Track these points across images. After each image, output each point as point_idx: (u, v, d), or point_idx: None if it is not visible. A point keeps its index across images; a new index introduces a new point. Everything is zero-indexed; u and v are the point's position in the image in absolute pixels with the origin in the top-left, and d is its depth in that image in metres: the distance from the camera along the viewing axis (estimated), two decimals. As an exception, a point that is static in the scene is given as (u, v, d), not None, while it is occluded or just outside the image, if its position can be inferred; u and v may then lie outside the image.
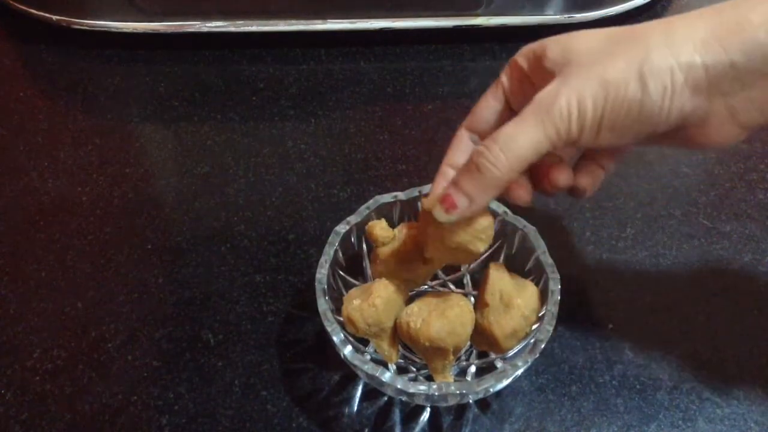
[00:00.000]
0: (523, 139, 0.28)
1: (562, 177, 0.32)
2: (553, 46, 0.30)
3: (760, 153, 0.50)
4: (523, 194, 0.32)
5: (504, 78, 0.33)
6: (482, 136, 0.33)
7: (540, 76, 0.30)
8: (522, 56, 0.32)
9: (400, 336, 0.34)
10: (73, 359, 0.38)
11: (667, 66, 0.27)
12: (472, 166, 0.29)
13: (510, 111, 0.33)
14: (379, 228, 0.36)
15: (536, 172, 0.33)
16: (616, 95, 0.27)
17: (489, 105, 0.33)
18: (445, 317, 0.33)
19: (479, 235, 0.32)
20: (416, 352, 0.36)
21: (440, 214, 0.30)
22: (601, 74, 0.27)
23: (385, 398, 0.37)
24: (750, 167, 0.49)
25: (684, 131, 0.29)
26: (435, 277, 0.41)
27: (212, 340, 0.39)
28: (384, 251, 0.37)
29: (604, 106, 0.28)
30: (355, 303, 0.34)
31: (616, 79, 0.27)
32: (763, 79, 0.27)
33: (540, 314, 0.35)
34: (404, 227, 0.37)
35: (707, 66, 0.27)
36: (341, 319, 0.35)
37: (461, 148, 0.33)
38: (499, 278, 0.35)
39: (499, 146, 0.28)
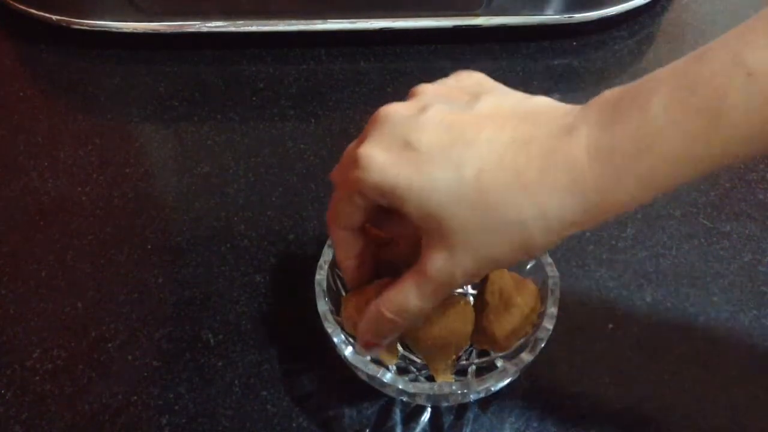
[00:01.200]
0: (427, 306, 0.30)
1: None
2: (413, 206, 0.28)
3: (760, 153, 0.50)
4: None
5: (358, 200, 0.31)
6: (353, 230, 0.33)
7: (403, 218, 0.30)
8: (374, 193, 0.30)
9: (402, 336, 0.34)
10: (73, 359, 0.38)
11: (549, 242, 0.28)
12: (382, 321, 0.31)
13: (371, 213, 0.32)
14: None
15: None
16: (505, 265, 0.32)
17: (352, 215, 0.32)
18: (447, 315, 0.33)
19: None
20: (418, 352, 0.36)
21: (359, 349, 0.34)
22: (489, 256, 0.29)
23: (386, 398, 0.37)
24: (750, 167, 0.49)
25: None
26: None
27: (212, 340, 0.39)
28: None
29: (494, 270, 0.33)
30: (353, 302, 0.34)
31: (505, 259, 0.29)
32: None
33: (539, 313, 0.35)
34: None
35: (581, 227, 0.28)
36: (341, 319, 0.36)
37: (347, 242, 0.34)
38: (498, 277, 0.35)
39: (407, 314, 0.31)
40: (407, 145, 0.29)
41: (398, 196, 0.29)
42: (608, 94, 0.27)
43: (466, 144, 0.28)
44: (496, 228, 0.28)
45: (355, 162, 0.30)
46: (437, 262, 0.29)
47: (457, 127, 0.28)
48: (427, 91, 0.32)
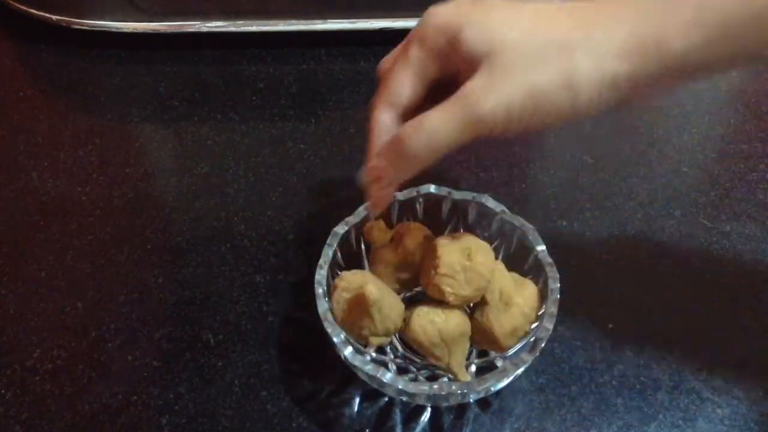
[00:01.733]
0: (446, 133, 0.29)
1: None
2: (470, 31, 0.29)
3: (761, 153, 0.50)
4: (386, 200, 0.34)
5: (415, 52, 0.31)
6: (401, 112, 0.33)
7: (457, 57, 0.30)
8: (435, 32, 0.31)
9: (415, 339, 0.34)
10: (73, 359, 0.38)
11: (594, 79, 0.28)
12: (393, 146, 0.31)
13: (424, 84, 0.32)
14: (378, 229, 0.36)
15: None
16: (545, 103, 0.28)
17: (403, 83, 0.32)
18: (459, 307, 0.34)
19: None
20: (435, 351, 0.34)
21: (365, 181, 0.33)
22: (532, 82, 0.28)
23: (386, 398, 0.37)
24: (750, 167, 0.49)
25: None
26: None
27: (212, 340, 0.39)
28: (382, 252, 0.37)
29: (533, 112, 0.29)
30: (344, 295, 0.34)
31: (547, 89, 0.28)
32: (668, 80, 0.28)
33: (539, 313, 0.35)
34: (402, 228, 0.37)
35: (629, 76, 0.28)
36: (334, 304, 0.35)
37: (386, 129, 0.33)
38: (498, 277, 0.35)
39: (425, 134, 0.29)
40: (477, 1, 0.30)
41: (457, 27, 0.29)
42: None
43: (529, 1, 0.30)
44: (542, 49, 0.28)
45: (422, 18, 0.31)
46: (473, 82, 0.28)
47: None
48: None
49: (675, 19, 0.27)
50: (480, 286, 0.34)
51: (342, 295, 0.34)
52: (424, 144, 0.29)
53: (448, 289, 0.33)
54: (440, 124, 0.29)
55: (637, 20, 0.28)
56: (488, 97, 0.28)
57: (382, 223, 0.37)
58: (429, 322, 0.33)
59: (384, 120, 0.32)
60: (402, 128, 0.30)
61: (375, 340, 0.34)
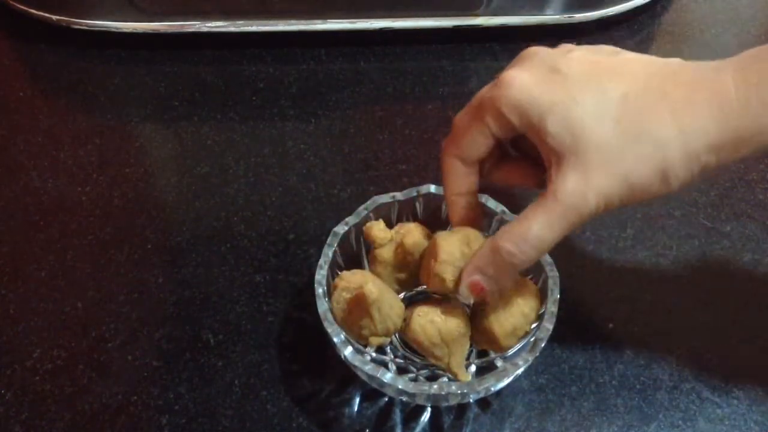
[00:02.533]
0: (551, 238, 0.29)
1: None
2: (554, 123, 0.29)
3: (760, 153, 0.50)
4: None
5: (491, 122, 0.31)
6: (468, 163, 0.33)
7: (538, 140, 0.30)
8: (512, 112, 0.30)
9: (415, 339, 0.34)
10: (73, 359, 0.38)
11: (687, 170, 0.28)
12: (498, 263, 0.30)
13: (495, 144, 0.32)
14: (377, 229, 0.36)
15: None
16: (641, 194, 0.29)
17: (476, 141, 0.32)
18: (459, 307, 0.34)
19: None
20: (435, 351, 0.34)
21: (469, 298, 0.32)
22: (626, 176, 0.28)
23: (386, 398, 0.37)
24: (750, 167, 0.49)
25: None
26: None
27: (212, 340, 0.39)
28: (382, 252, 0.37)
29: (628, 201, 0.29)
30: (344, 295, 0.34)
31: (641, 183, 0.28)
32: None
33: (539, 313, 0.35)
34: (402, 227, 0.37)
35: (720, 164, 0.28)
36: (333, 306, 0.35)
37: (459, 174, 0.33)
38: None
39: (530, 246, 0.29)
40: (554, 70, 0.29)
41: (538, 113, 0.29)
42: (746, 51, 0.28)
43: (612, 73, 0.29)
44: (635, 144, 0.28)
45: (498, 83, 0.30)
46: (569, 182, 0.28)
47: (603, 64, 0.29)
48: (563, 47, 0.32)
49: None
50: None
51: (342, 295, 0.34)
52: (532, 257, 0.30)
53: (448, 276, 0.33)
54: (545, 233, 0.29)
55: (730, 112, 0.27)
56: (588, 196, 0.28)
57: (381, 223, 0.37)
58: (429, 322, 0.33)
59: (457, 168, 0.33)
60: (503, 243, 0.30)
61: (375, 340, 0.34)
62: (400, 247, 0.36)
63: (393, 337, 0.37)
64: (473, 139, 0.32)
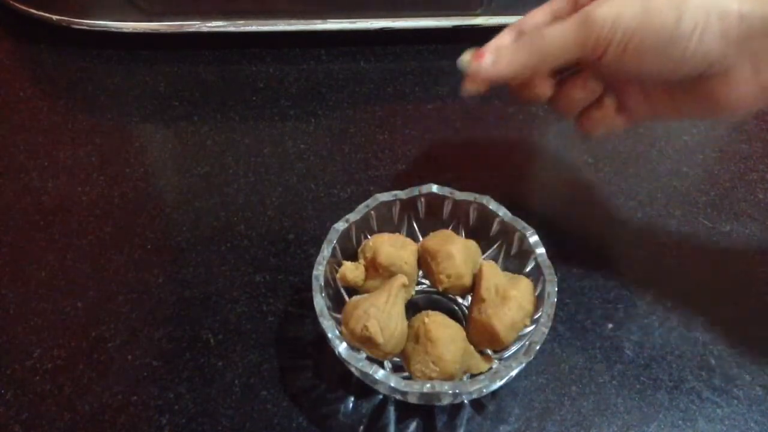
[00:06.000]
0: (558, 32, 0.32)
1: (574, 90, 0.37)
2: None
3: (760, 153, 0.50)
4: (544, 90, 0.36)
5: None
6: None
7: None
8: None
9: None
10: (73, 359, 0.38)
11: (703, 6, 0.28)
12: (510, 34, 0.35)
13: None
14: (350, 271, 0.37)
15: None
16: (651, 19, 0.30)
17: (536, 19, 0.36)
18: (451, 328, 0.35)
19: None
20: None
21: (468, 63, 0.36)
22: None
23: (390, 398, 0.37)
24: (750, 167, 0.49)
25: (705, 83, 0.31)
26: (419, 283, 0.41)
27: (212, 340, 0.39)
28: (365, 286, 0.37)
29: (638, 26, 0.30)
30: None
31: (656, 6, 0.29)
32: None
33: (537, 312, 0.35)
34: (364, 248, 0.37)
35: (742, 15, 0.28)
36: (338, 316, 0.36)
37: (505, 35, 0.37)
38: (493, 274, 0.35)
39: (538, 33, 0.33)
40: None
41: None
42: None
43: None
44: None
45: None
46: (597, 2, 0.31)
47: None
48: None
49: None
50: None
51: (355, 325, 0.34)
52: (537, 39, 0.33)
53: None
54: (554, 26, 0.32)
55: None
56: (602, 5, 0.30)
57: (349, 264, 0.37)
58: (425, 368, 0.34)
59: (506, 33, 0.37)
60: (522, 26, 0.34)
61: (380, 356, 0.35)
62: (379, 268, 0.36)
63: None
64: (533, 18, 0.36)
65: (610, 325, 0.40)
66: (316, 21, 0.56)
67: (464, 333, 0.35)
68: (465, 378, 0.35)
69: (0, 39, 0.60)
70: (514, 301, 0.34)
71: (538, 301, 0.35)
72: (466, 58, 0.36)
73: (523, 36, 0.34)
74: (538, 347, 0.33)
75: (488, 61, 0.34)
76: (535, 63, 0.33)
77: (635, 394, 0.37)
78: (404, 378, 0.33)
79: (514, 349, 0.36)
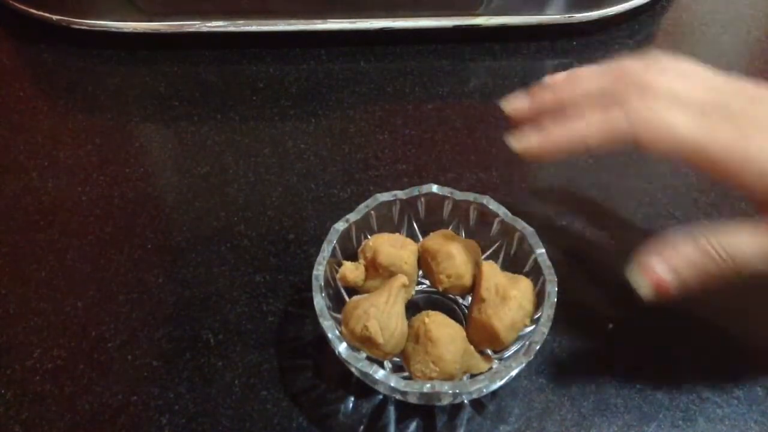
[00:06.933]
0: (754, 256, 0.31)
1: None
2: (751, 174, 0.31)
3: (760, 153, 0.50)
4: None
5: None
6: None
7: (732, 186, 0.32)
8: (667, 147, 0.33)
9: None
10: (73, 359, 0.38)
11: None
12: (696, 253, 0.31)
13: None
14: (350, 271, 0.37)
15: None
16: None
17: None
18: (453, 329, 0.35)
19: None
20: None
21: (645, 288, 0.33)
22: None
23: (393, 398, 0.37)
24: (750, 167, 0.49)
25: None
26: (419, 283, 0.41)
27: (212, 340, 0.39)
28: (366, 286, 0.37)
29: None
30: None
31: None
32: None
33: (537, 313, 0.35)
34: (364, 248, 0.37)
35: None
36: (338, 316, 0.36)
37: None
38: (493, 274, 0.35)
39: (726, 252, 0.31)
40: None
41: (723, 161, 0.31)
42: None
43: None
44: None
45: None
46: None
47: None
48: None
49: None
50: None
51: (355, 324, 0.34)
52: (729, 262, 0.31)
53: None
54: (750, 248, 0.31)
55: None
56: None
57: (349, 264, 0.37)
58: (425, 368, 0.34)
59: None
60: (707, 245, 0.31)
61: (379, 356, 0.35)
62: (379, 268, 0.36)
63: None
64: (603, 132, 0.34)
65: (610, 325, 0.40)
66: (316, 21, 0.56)
67: (464, 333, 0.35)
68: (465, 378, 0.35)
69: (0, 39, 0.60)
70: (514, 301, 0.34)
71: (538, 301, 0.35)
72: (644, 286, 0.33)
73: (714, 250, 0.31)
74: (538, 347, 0.33)
75: (673, 283, 0.33)
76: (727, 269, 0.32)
77: (635, 394, 0.37)
78: (404, 378, 0.33)
79: (514, 349, 0.36)
